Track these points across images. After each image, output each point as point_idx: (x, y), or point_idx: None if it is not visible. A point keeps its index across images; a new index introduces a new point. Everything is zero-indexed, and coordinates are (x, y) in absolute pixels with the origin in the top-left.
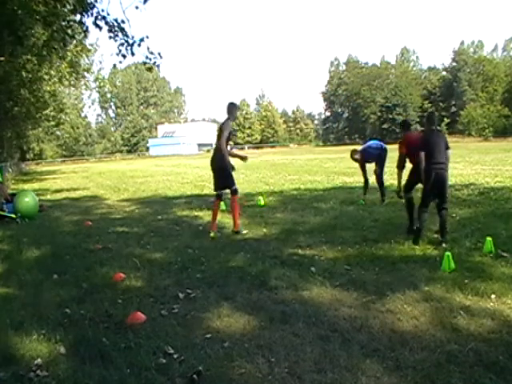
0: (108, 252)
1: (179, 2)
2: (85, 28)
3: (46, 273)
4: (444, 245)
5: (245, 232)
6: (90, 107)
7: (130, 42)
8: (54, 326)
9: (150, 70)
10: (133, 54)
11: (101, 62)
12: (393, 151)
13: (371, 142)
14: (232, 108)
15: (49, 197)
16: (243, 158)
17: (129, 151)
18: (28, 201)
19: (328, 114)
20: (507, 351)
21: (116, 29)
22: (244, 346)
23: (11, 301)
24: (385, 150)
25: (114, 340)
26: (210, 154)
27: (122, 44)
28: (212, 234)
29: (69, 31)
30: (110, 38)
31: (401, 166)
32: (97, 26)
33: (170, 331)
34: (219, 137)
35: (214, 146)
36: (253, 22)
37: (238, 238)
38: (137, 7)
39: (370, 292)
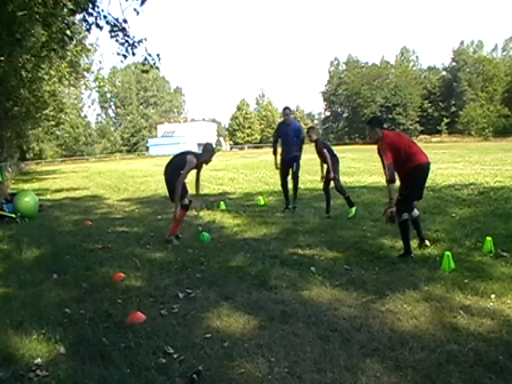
0: (108, 252)
1: (179, 1)
2: (88, 27)
3: (46, 273)
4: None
5: (176, 243)
6: (89, 107)
7: (131, 42)
8: (54, 326)
9: (146, 72)
10: (134, 54)
11: (100, 62)
12: None
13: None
14: (208, 149)
15: (49, 196)
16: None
17: (128, 151)
18: (28, 200)
19: (328, 113)
20: (507, 351)
21: (117, 28)
22: (244, 345)
23: (11, 301)
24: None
25: (113, 340)
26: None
27: (122, 44)
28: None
29: (67, 32)
30: (112, 37)
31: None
32: (97, 25)
33: (169, 331)
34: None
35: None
36: (253, 22)
37: (238, 238)
38: (135, 9)
39: (369, 292)
